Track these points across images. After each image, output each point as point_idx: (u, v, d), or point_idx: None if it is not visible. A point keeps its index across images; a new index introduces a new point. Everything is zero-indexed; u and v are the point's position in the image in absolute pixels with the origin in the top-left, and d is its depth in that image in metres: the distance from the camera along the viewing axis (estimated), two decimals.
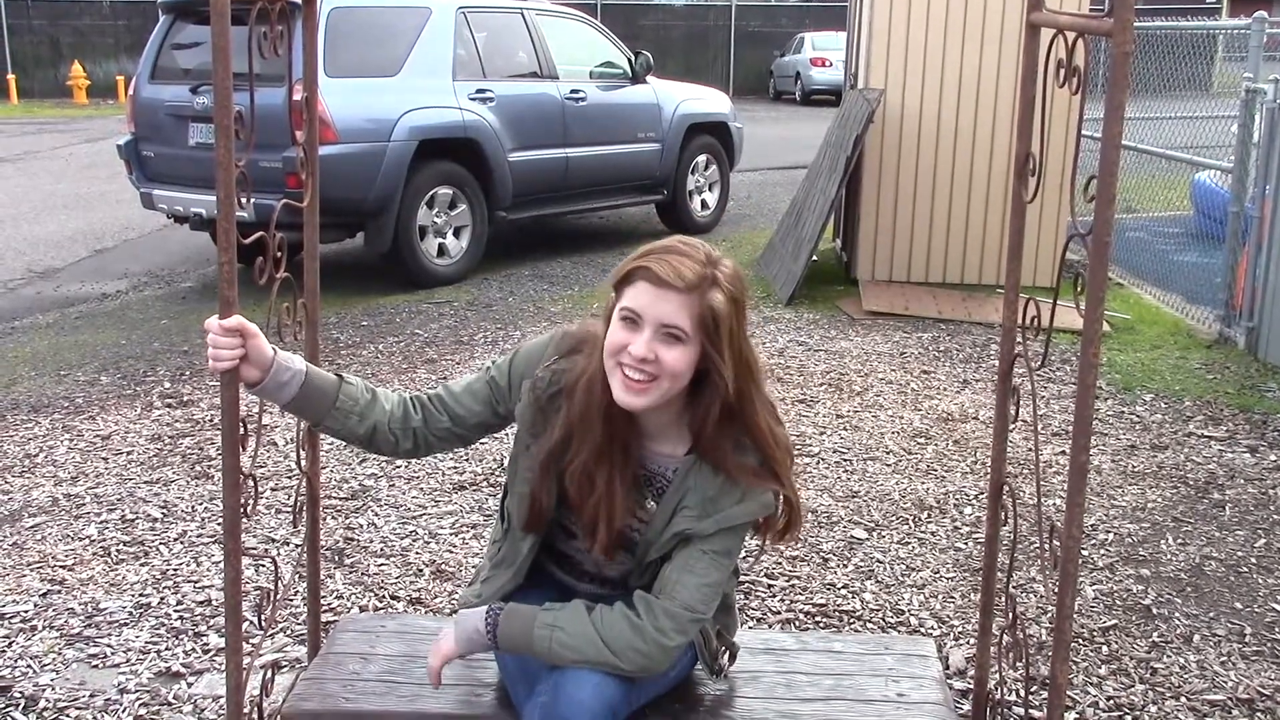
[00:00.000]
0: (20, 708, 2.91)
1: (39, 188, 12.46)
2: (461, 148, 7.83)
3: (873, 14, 7.54)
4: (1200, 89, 9.49)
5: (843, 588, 3.60)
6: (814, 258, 7.47)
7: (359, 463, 4.55)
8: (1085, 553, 3.82)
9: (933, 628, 3.36)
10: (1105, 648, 3.26)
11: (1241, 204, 6.51)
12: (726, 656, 2.32)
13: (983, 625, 2.47)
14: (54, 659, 3.14)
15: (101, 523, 4.01)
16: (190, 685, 3.02)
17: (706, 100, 10.21)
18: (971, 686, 2.64)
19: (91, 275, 8.46)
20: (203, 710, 2.90)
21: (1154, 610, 3.48)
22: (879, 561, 3.78)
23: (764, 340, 6.39)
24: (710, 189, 10.16)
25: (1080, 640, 3.28)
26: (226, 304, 1.95)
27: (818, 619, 3.40)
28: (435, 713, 2.24)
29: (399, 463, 4.54)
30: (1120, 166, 1.71)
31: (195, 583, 3.57)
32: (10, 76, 24.07)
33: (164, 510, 4.12)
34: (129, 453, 4.69)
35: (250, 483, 2.12)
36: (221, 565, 2.90)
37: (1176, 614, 3.46)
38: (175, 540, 3.88)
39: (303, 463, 2.50)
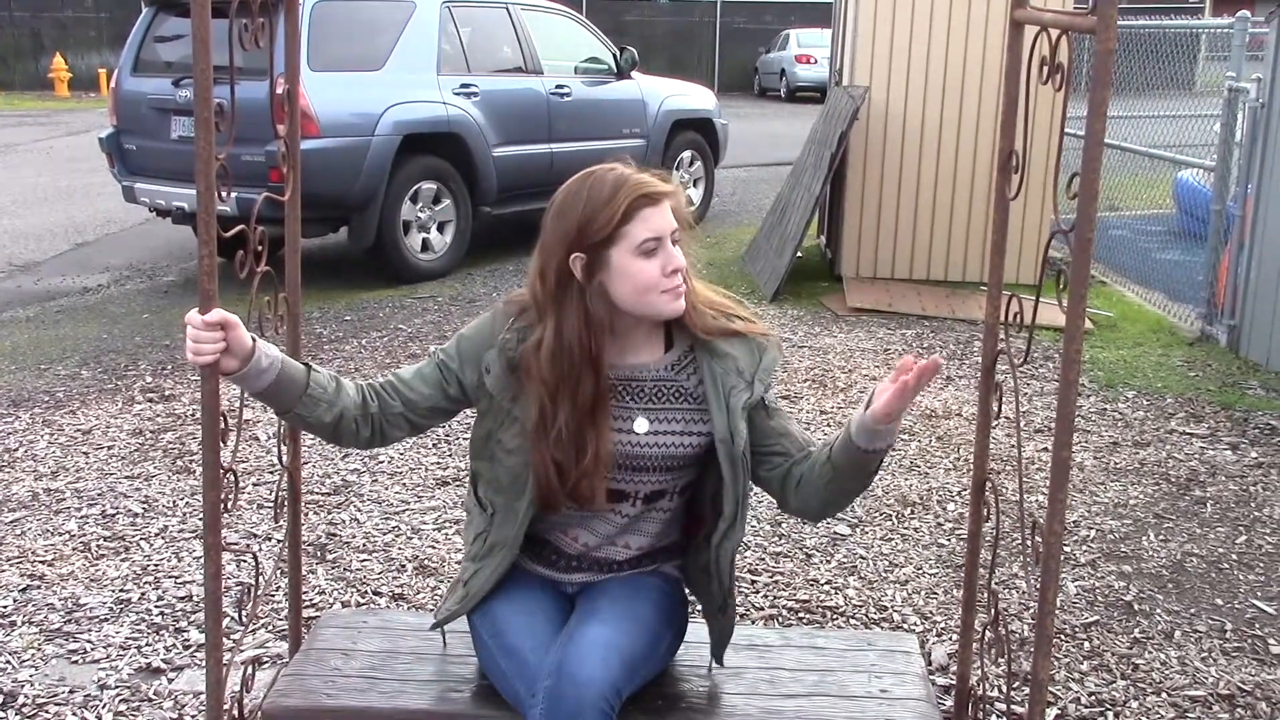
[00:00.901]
0: None
1: (20, 180, 12.39)
2: (446, 142, 7.81)
3: (858, 11, 7.55)
4: (1183, 88, 9.52)
5: (826, 584, 3.60)
6: (798, 254, 7.48)
7: (342, 458, 4.54)
8: (1067, 549, 3.83)
9: (916, 624, 3.37)
10: (1087, 644, 3.27)
11: (1224, 202, 6.54)
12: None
13: (965, 621, 2.47)
14: (33, 655, 3.12)
15: (82, 518, 3.99)
16: (171, 681, 3.01)
17: (691, 96, 10.21)
18: (954, 682, 2.64)
19: (73, 269, 8.41)
20: (183, 706, 2.89)
21: (1135, 606, 3.49)
22: (862, 557, 3.78)
23: None
24: (695, 185, 10.16)
25: (1062, 636, 3.29)
26: (207, 298, 1.94)
27: (801, 615, 3.41)
28: (416, 709, 2.23)
29: (381, 458, 4.53)
30: (1104, 165, 1.71)
31: (176, 578, 3.56)
32: None
33: (145, 505, 4.10)
34: (110, 447, 4.67)
35: (231, 478, 2.11)
36: (203, 560, 2.89)
37: (1158, 610, 3.47)
38: (156, 535, 3.86)
39: (284, 458, 2.49)
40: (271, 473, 4.34)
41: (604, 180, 2.08)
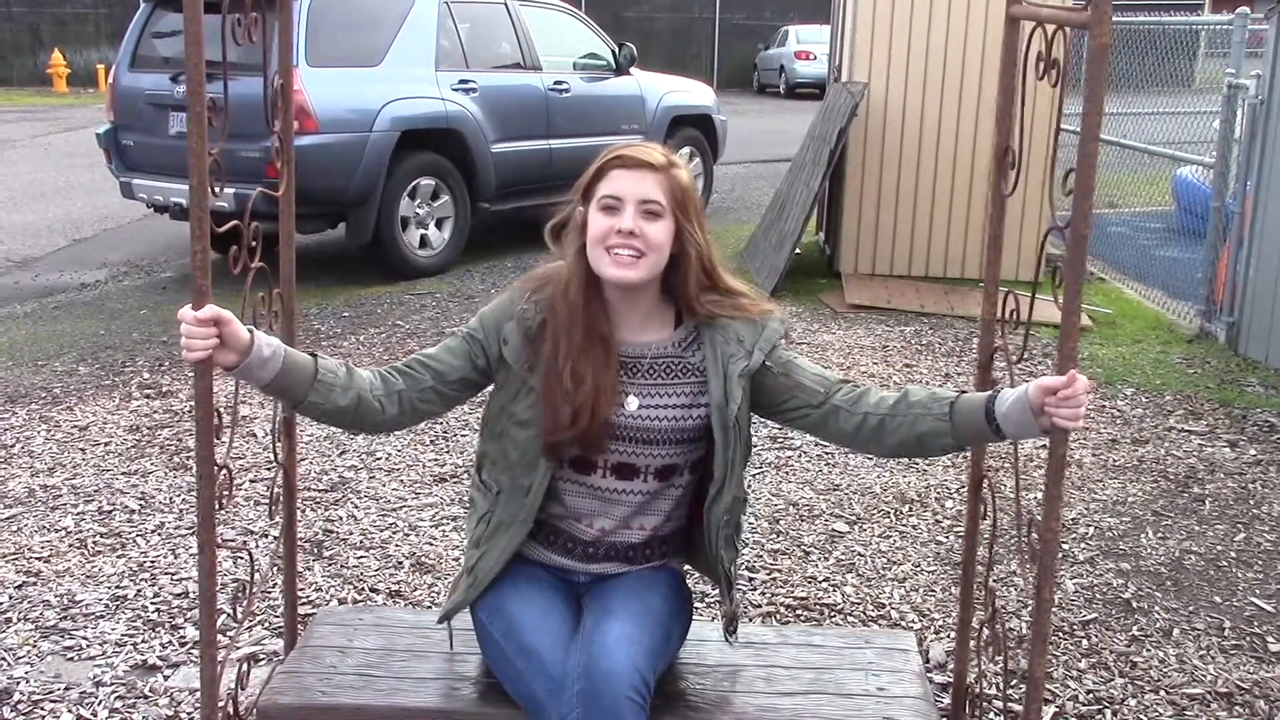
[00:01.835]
0: None
1: (17, 176, 12.37)
2: (444, 139, 7.80)
3: (857, 7, 7.54)
4: (1183, 85, 9.51)
5: (824, 581, 3.59)
6: (797, 251, 7.47)
7: (339, 455, 4.53)
8: (1066, 546, 3.83)
9: (913, 621, 3.36)
10: (1085, 641, 3.26)
11: (1223, 199, 6.53)
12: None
13: (962, 619, 2.46)
14: (29, 651, 3.11)
15: (78, 514, 3.98)
16: (167, 678, 3.00)
17: (690, 92, 10.20)
18: (952, 680, 2.64)
19: (70, 265, 8.40)
20: (179, 703, 2.88)
21: (1134, 604, 3.48)
22: (860, 555, 3.77)
23: None
24: (694, 181, 10.13)
25: (1060, 634, 3.29)
26: (200, 293, 1.93)
27: (799, 612, 3.40)
28: (413, 706, 2.22)
29: (379, 455, 4.52)
30: (1103, 162, 1.70)
31: (173, 575, 3.55)
32: None
33: (142, 502, 4.09)
34: (107, 444, 4.66)
35: (225, 474, 2.10)
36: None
37: (1156, 608, 3.47)
38: (153, 532, 3.85)
39: (279, 454, 2.48)
40: (268, 469, 4.33)
41: (614, 147, 2.22)
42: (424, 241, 7.88)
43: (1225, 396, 5.45)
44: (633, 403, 2.19)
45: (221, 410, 2.05)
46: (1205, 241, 6.69)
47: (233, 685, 2.38)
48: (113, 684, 2.96)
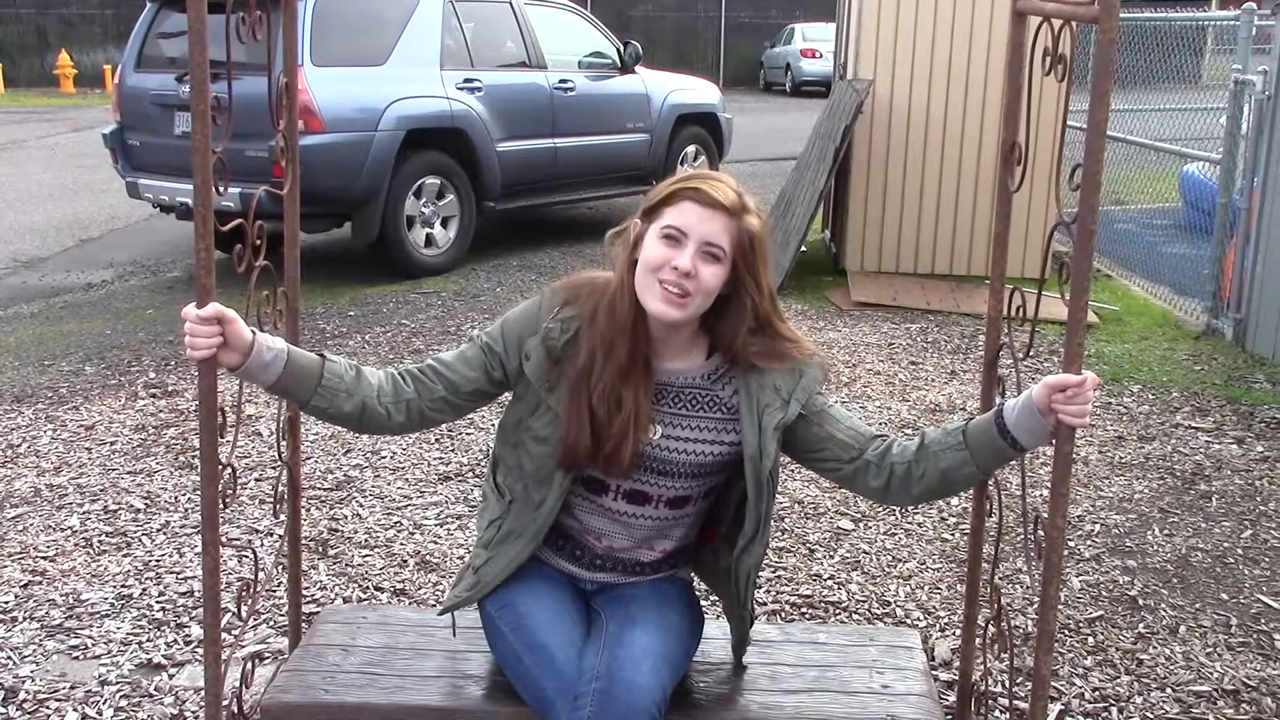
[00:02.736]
0: (0, 699, 2.88)
1: (25, 177, 12.39)
2: (449, 137, 7.80)
3: (862, 5, 7.53)
4: (1189, 81, 9.48)
5: (829, 579, 3.59)
6: (803, 248, 7.46)
7: (344, 453, 4.53)
8: (1072, 544, 3.82)
9: (919, 619, 3.36)
10: (1091, 639, 3.25)
11: (1229, 196, 6.52)
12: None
13: (968, 616, 2.46)
14: (34, 650, 3.12)
15: (84, 513, 3.99)
16: (172, 677, 3.00)
17: (696, 91, 10.19)
18: (957, 678, 2.63)
19: (77, 265, 8.41)
20: (184, 702, 2.88)
21: (1140, 601, 3.47)
22: (865, 552, 3.77)
23: None
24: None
25: (1066, 631, 3.28)
26: (204, 292, 1.93)
27: (804, 610, 3.40)
28: (416, 705, 2.22)
29: (384, 453, 4.52)
30: (1110, 158, 1.70)
31: (178, 574, 3.55)
32: None
33: (147, 501, 4.09)
34: (113, 443, 4.66)
35: (229, 472, 2.10)
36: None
37: (1163, 605, 3.46)
38: (158, 531, 3.85)
39: (284, 453, 2.48)
40: (273, 468, 4.33)
41: (692, 170, 2.12)
42: (429, 240, 7.88)
43: (1232, 393, 5.43)
44: (656, 431, 2.13)
45: (226, 409, 2.04)
46: (1212, 238, 6.68)
47: (237, 684, 2.38)
48: (118, 683, 2.96)
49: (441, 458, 4.51)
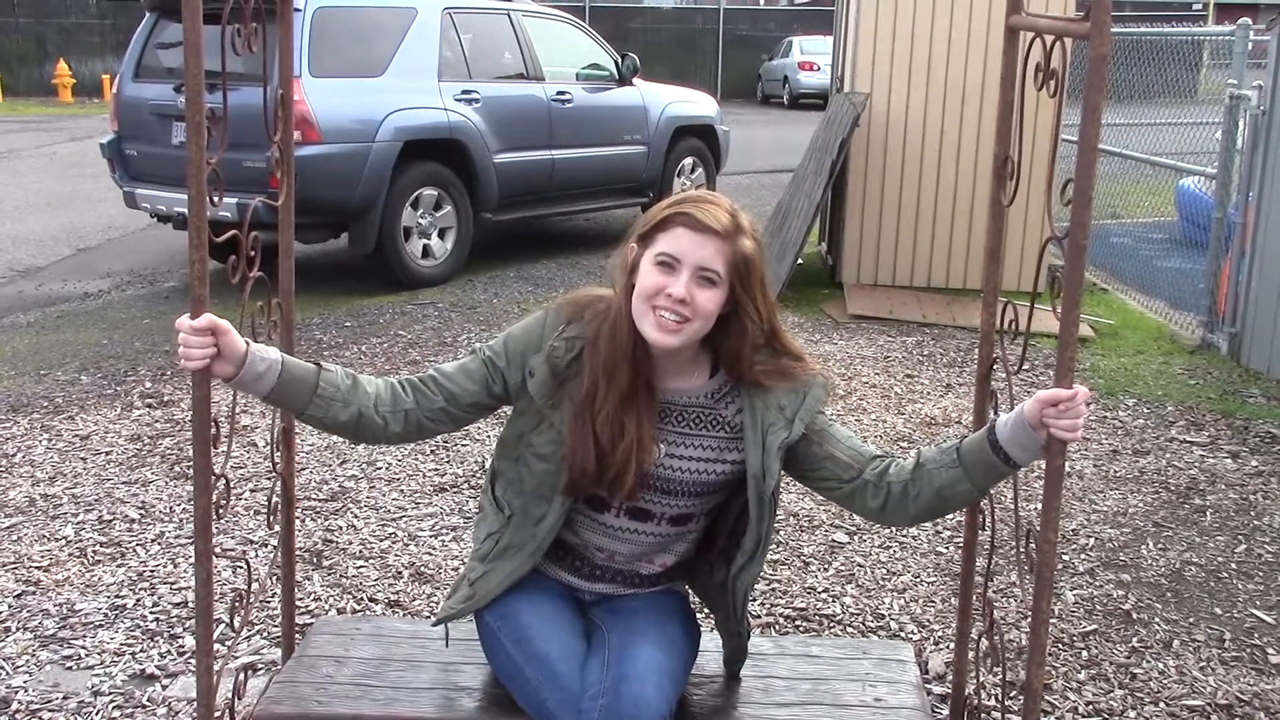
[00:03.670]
0: None
1: (23, 186, 12.39)
2: (447, 149, 7.81)
3: (859, 18, 7.55)
4: (1185, 95, 9.51)
5: (823, 591, 3.59)
6: (799, 261, 7.47)
7: (339, 464, 4.53)
8: (1066, 557, 3.82)
9: (913, 632, 3.36)
10: (1085, 653, 3.25)
11: (1225, 210, 6.53)
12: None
13: (961, 630, 2.46)
14: (27, 660, 3.11)
15: (78, 523, 3.98)
16: (165, 688, 2.99)
17: (693, 103, 10.21)
18: (950, 691, 2.63)
19: (74, 274, 8.41)
20: (177, 713, 2.88)
21: (1134, 615, 3.47)
22: (860, 565, 3.77)
23: None
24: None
25: (1060, 645, 3.28)
26: (198, 302, 1.93)
27: (798, 623, 3.39)
28: (409, 717, 2.21)
29: (379, 465, 4.52)
30: (1106, 172, 1.71)
31: (172, 584, 3.55)
32: None
33: (142, 511, 4.09)
34: (108, 453, 4.66)
35: (223, 483, 2.10)
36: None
37: (1156, 619, 3.46)
38: (153, 541, 3.85)
39: (278, 464, 2.48)
40: (268, 478, 4.33)
41: (684, 193, 2.11)
42: (426, 251, 7.89)
43: (1227, 407, 5.44)
44: (660, 450, 2.12)
45: (220, 420, 2.04)
46: (1207, 252, 6.69)
47: (230, 695, 2.37)
48: (111, 693, 2.96)
49: (437, 469, 4.51)
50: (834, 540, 3.94)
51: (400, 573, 3.65)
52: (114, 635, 3.24)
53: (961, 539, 3.76)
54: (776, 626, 3.37)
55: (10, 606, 3.40)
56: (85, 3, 25.50)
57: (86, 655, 3.14)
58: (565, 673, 2.05)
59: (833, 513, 4.14)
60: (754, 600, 3.51)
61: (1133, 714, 2.96)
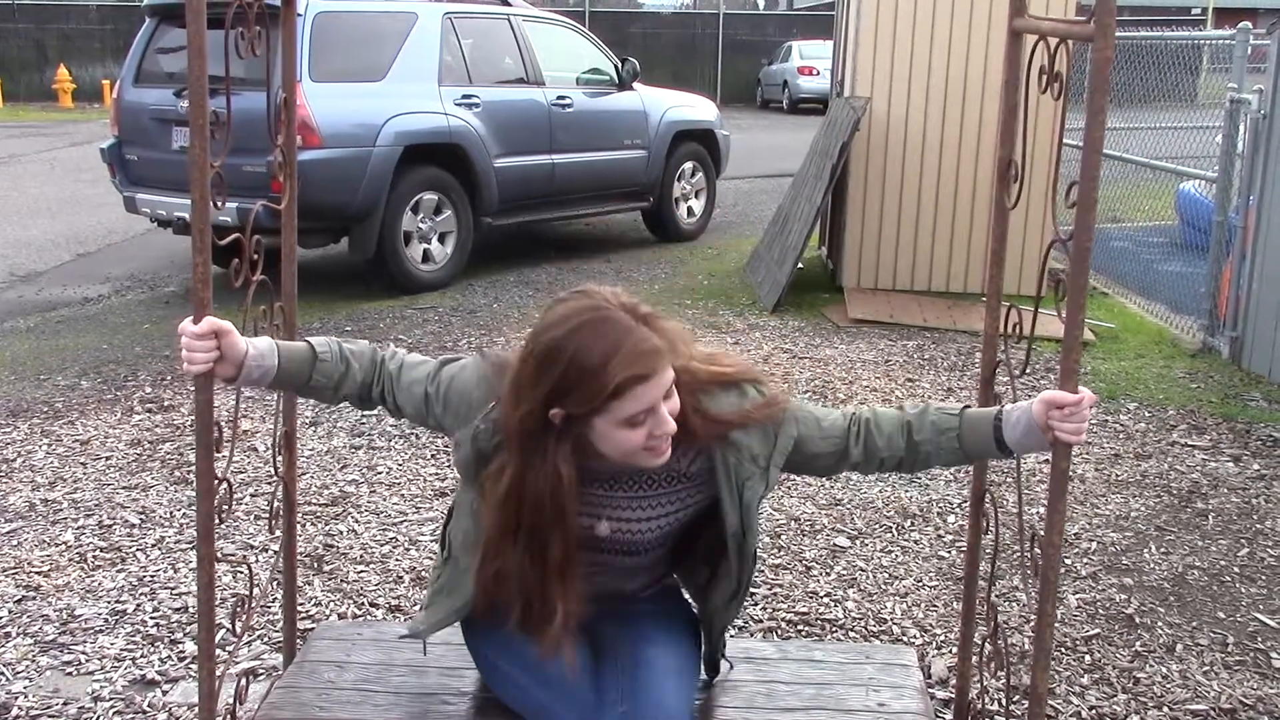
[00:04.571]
0: None
1: (23, 191, 12.40)
2: (447, 153, 7.81)
3: (859, 23, 7.55)
4: (1185, 100, 9.51)
5: (825, 596, 3.58)
6: (800, 265, 7.47)
7: (340, 469, 4.52)
8: (1068, 561, 3.81)
9: (915, 636, 3.35)
10: (1088, 657, 3.25)
11: (1225, 214, 6.53)
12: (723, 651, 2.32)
13: (964, 634, 2.45)
14: (27, 666, 3.10)
15: (79, 528, 3.98)
16: (165, 694, 2.99)
17: (693, 107, 10.21)
18: (953, 696, 2.62)
19: (74, 279, 8.40)
20: (178, 719, 2.87)
21: (1137, 619, 3.47)
22: (862, 570, 3.76)
23: (749, 348, 6.38)
24: (696, 196, 10.15)
25: (1063, 649, 3.27)
26: (200, 306, 1.92)
27: (800, 627, 3.39)
28: None
29: (380, 469, 4.52)
30: (1106, 176, 1.71)
31: (172, 589, 3.54)
32: None
33: (142, 516, 4.08)
34: (108, 458, 4.65)
35: (225, 487, 2.09)
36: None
37: (1159, 623, 3.45)
38: (153, 546, 3.84)
39: (280, 468, 2.47)
40: (270, 483, 4.32)
41: (592, 344, 1.82)
42: (427, 256, 7.88)
43: (1228, 411, 5.43)
44: (604, 528, 2.04)
45: (222, 424, 2.04)
46: (1208, 256, 6.69)
47: (231, 700, 2.37)
48: (111, 699, 2.95)
49: (437, 473, 4.50)
50: (836, 545, 3.93)
51: (401, 577, 3.64)
52: (114, 641, 3.23)
53: (963, 543, 3.76)
54: (779, 631, 3.36)
55: (10, 612, 3.39)
56: (85, 8, 25.55)
57: (87, 661, 3.13)
58: (576, 685, 2.03)
59: (834, 517, 4.14)
60: (756, 605, 3.50)
61: (1136, 718, 2.95)
